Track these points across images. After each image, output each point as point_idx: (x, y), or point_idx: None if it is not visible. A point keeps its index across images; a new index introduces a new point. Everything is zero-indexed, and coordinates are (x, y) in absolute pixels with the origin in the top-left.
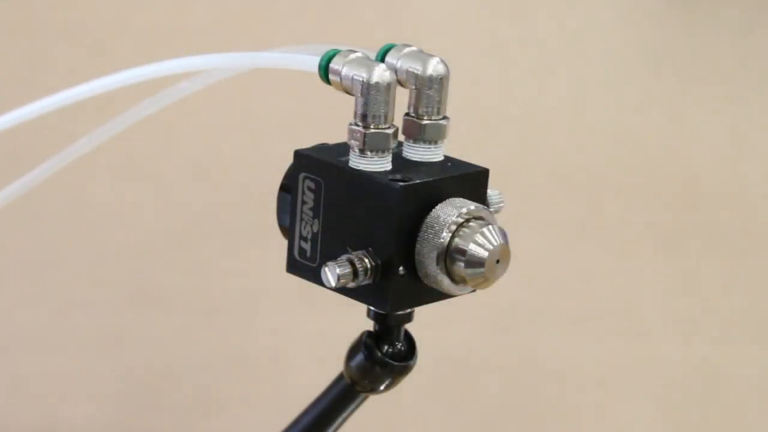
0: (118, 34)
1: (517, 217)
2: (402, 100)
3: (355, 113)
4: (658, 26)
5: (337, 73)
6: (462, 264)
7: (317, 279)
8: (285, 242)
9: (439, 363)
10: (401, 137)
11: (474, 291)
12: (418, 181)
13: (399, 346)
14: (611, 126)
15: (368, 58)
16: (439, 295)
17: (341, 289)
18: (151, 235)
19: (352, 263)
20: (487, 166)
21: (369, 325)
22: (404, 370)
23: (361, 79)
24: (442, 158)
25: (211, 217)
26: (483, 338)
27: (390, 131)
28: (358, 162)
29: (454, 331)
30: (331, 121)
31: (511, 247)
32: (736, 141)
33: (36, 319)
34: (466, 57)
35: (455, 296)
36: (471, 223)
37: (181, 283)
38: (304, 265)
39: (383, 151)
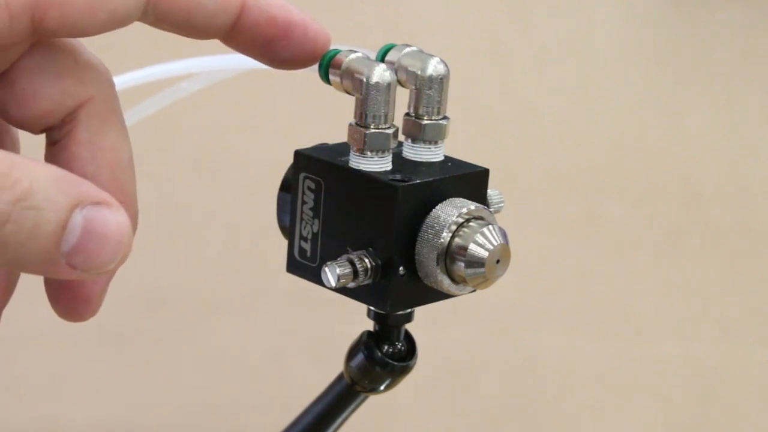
0: (118, 35)
1: (517, 217)
2: (402, 100)
3: (355, 113)
4: (658, 26)
5: (338, 73)
6: (462, 264)
7: (317, 279)
8: (285, 242)
9: (439, 363)
10: (401, 137)
11: (474, 291)
12: (418, 181)
13: (399, 346)
14: (611, 126)
15: (368, 58)
16: (439, 295)
17: (341, 289)
18: (151, 234)
19: (352, 263)
20: (487, 166)
21: (369, 325)
22: (404, 370)
23: (361, 79)
24: (442, 158)
25: (211, 217)
26: (483, 338)
27: (390, 131)
28: (358, 162)
29: (454, 331)
30: (331, 121)
31: (511, 247)
32: (736, 141)
33: (36, 319)
34: (465, 57)
35: (455, 296)
36: (471, 223)
37: (181, 283)
38: (304, 265)
39: (383, 151)
